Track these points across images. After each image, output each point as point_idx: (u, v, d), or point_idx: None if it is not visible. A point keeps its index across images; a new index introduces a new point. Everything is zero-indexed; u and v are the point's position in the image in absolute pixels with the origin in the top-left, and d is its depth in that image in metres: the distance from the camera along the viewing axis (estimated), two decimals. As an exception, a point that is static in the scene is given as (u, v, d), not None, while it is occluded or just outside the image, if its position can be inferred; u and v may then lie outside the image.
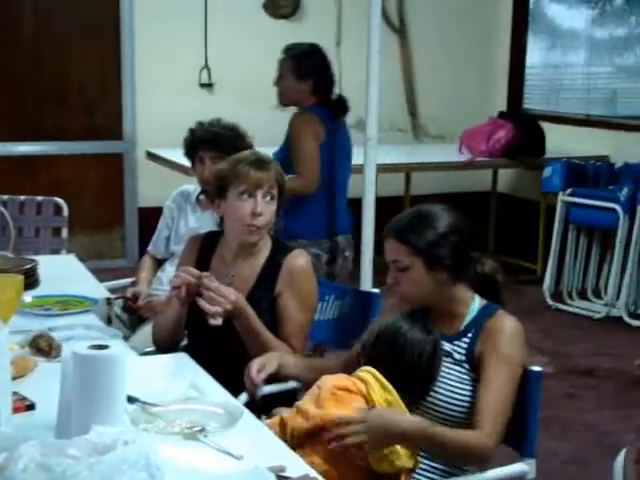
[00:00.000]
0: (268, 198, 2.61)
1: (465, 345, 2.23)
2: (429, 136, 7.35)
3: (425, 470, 2.21)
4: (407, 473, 2.09)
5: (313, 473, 1.79)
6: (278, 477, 1.72)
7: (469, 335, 2.24)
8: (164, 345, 2.71)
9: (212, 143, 3.33)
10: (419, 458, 2.11)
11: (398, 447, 2.04)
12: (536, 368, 2.19)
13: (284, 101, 4.16)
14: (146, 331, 3.15)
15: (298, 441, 2.09)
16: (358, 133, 7.04)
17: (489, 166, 6.52)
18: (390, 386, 2.10)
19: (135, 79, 6.36)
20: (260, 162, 2.63)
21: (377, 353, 2.18)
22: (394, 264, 2.26)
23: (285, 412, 2.20)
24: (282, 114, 6.84)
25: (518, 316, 2.24)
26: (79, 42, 6.25)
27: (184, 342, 2.79)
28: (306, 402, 2.15)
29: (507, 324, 2.21)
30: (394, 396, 2.09)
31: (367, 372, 2.14)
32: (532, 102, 7.26)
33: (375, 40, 3.35)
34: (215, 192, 2.69)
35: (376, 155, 3.47)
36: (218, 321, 2.45)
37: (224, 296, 2.46)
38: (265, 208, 2.59)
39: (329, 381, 2.16)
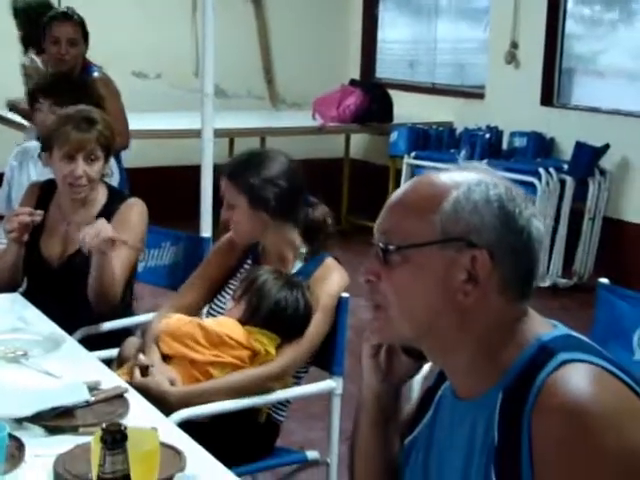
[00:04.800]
0: (90, 159, 2.71)
1: None
2: (286, 103, 7.54)
3: None
4: None
5: (125, 386, 1.95)
6: (92, 389, 1.87)
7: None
8: (3, 290, 2.79)
9: (50, 92, 3.39)
10: None
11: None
12: (345, 295, 2.39)
13: None
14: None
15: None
16: (215, 99, 7.12)
17: (340, 131, 6.76)
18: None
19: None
20: (84, 123, 2.72)
21: (263, 321, 2.31)
22: (225, 202, 2.44)
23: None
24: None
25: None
26: None
27: (23, 288, 2.88)
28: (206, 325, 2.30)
29: (334, 276, 2.39)
30: None
31: (262, 346, 2.27)
32: (386, 73, 7.53)
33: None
34: (43, 147, 2.81)
35: (212, 110, 3.61)
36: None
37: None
38: (87, 169, 2.71)
39: (230, 328, 2.28)
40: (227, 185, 2.42)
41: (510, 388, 1.24)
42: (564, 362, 1.21)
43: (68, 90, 3.39)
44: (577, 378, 1.19)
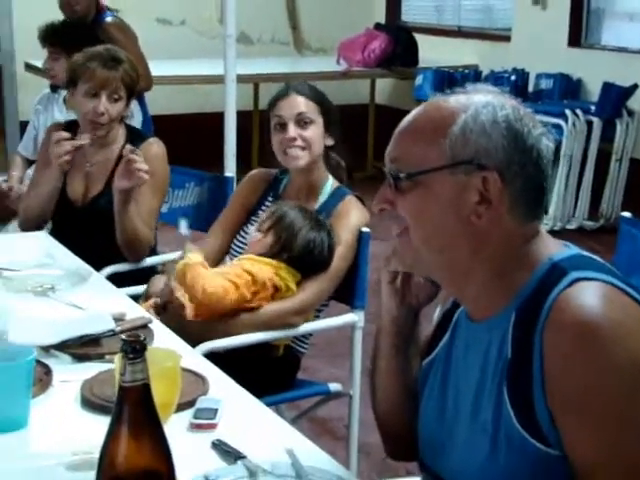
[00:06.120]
0: (114, 98, 2.73)
1: None
2: (311, 49, 7.50)
3: None
4: None
5: (150, 316, 1.99)
6: (117, 320, 1.92)
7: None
8: (32, 225, 2.84)
9: (60, 42, 3.44)
10: None
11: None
12: (365, 229, 2.41)
13: None
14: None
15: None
16: (240, 46, 7.14)
17: (365, 76, 6.73)
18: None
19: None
20: (110, 61, 2.73)
21: (290, 259, 2.32)
22: (298, 117, 2.41)
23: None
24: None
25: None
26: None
27: (48, 229, 2.92)
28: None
29: (354, 212, 2.42)
30: None
31: (284, 282, 2.29)
32: (412, 16, 7.44)
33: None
34: (68, 83, 2.83)
35: (234, 52, 3.61)
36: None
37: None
38: (109, 107, 2.73)
39: (258, 267, 2.29)
40: (306, 102, 2.44)
41: (523, 307, 1.26)
42: (575, 280, 1.22)
43: (78, 38, 3.40)
44: (588, 295, 1.20)
